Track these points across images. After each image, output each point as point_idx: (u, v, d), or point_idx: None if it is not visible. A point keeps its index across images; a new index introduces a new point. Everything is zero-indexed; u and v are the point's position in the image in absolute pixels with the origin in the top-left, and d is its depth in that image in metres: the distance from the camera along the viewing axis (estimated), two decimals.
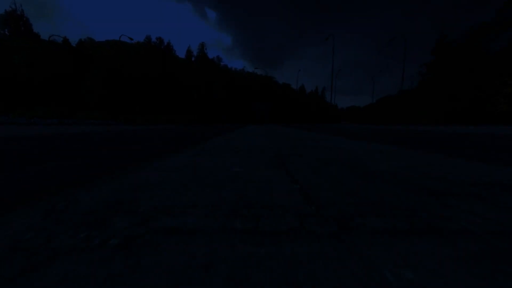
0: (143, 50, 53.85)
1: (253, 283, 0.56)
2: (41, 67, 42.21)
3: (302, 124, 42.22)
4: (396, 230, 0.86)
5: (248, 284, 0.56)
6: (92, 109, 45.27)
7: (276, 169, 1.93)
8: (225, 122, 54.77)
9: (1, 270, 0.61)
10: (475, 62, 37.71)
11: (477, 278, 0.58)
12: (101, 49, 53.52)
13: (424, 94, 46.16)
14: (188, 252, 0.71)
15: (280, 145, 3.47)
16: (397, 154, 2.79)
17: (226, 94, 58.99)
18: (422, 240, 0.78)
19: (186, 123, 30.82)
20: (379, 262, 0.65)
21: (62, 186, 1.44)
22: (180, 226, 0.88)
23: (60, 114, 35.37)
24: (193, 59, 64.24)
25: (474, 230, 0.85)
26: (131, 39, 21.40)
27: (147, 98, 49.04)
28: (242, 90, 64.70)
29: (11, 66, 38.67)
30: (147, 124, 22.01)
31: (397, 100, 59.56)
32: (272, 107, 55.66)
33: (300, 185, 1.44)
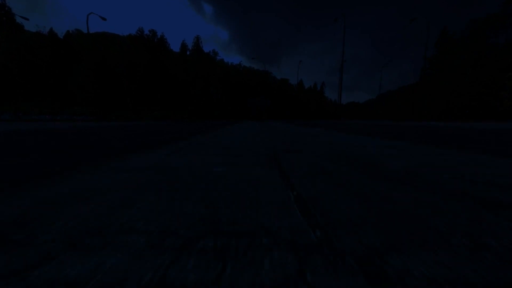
0: (135, 43, 50.94)
1: None
2: (22, 60, 39.23)
3: (308, 120, 40.09)
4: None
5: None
6: (81, 105, 42.73)
7: None
8: (221, 118, 52.58)
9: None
10: (478, 56, 36.24)
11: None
12: (89, 41, 50.41)
13: (427, 89, 44.60)
14: None
15: None
16: None
17: (222, 90, 56.59)
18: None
19: (171, 120, 28.68)
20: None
21: None
22: None
23: (46, 110, 33.00)
24: (188, 53, 61.44)
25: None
26: (104, 19, 19.03)
27: (139, 93, 46.45)
28: (239, 86, 62.35)
29: None
30: (120, 120, 19.76)
31: (399, 95, 57.98)
32: (269, 103, 53.32)
33: None
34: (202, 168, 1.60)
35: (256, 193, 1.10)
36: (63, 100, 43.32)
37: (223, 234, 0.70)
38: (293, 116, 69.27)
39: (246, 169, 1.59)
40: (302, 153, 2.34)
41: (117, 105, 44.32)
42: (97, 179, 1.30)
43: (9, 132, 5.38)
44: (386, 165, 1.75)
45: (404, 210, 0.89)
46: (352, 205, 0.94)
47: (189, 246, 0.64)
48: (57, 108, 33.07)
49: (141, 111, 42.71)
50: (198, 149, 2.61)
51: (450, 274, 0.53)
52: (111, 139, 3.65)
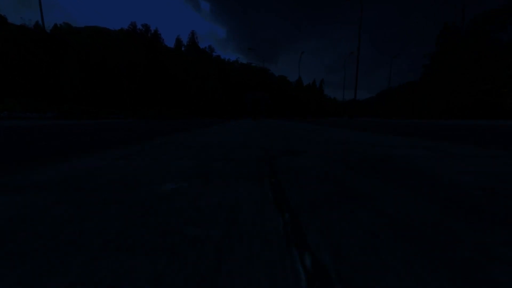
0: (127, 38, 48.33)
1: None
2: (5, 54, 36.44)
3: (315, 119, 37.83)
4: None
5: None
6: (71, 102, 40.12)
7: None
8: (222, 116, 50.79)
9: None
10: (481, 52, 34.92)
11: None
12: (79, 35, 47.65)
13: (429, 87, 43.18)
14: None
15: None
16: None
17: (222, 89, 54.50)
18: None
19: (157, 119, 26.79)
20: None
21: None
22: None
23: (32, 108, 30.56)
24: (183, 49, 58.99)
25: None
26: None
27: (132, 90, 44.10)
28: (236, 82, 60.31)
29: None
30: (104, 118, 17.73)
31: (400, 93, 56.55)
32: (270, 101, 51.02)
33: None
34: None
35: None
36: (54, 98, 40.71)
37: None
38: (293, 115, 67.59)
39: None
40: None
41: (115, 104, 42.00)
42: None
43: None
44: None
45: None
46: None
47: None
48: (42, 106, 30.46)
49: (139, 110, 40.52)
50: None
51: None
52: None
